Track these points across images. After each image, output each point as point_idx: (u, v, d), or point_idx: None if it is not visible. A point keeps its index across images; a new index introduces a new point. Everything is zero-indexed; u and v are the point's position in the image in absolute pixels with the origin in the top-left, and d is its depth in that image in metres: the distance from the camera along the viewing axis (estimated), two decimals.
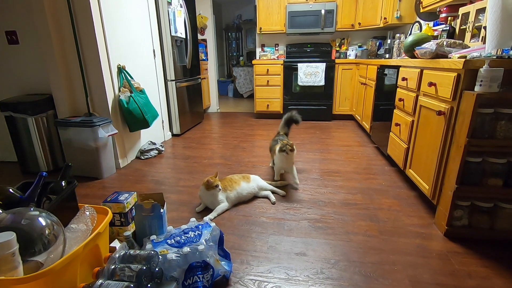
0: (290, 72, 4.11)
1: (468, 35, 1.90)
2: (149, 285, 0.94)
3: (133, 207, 1.40)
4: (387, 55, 3.53)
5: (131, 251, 1.02)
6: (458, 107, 1.39)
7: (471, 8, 1.85)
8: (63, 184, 1.09)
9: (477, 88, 1.29)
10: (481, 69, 1.25)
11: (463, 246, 1.41)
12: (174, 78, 3.32)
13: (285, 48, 4.69)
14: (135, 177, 2.32)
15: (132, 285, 0.87)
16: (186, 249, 1.10)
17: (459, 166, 1.36)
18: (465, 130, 1.32)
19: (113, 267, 0.94)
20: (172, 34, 3.19)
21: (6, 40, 2.34)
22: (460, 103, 1.36)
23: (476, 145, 1.33)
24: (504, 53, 1.41)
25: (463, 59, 1.32)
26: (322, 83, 4.01)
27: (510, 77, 1.28)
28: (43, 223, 0.91)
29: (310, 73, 4.00)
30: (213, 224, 1.27)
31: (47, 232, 0.90)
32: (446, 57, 1.59)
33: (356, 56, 4.17)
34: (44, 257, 0.91)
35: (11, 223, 0.89)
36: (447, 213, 1.45)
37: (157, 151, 2.83)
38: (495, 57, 1.29)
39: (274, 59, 4.39)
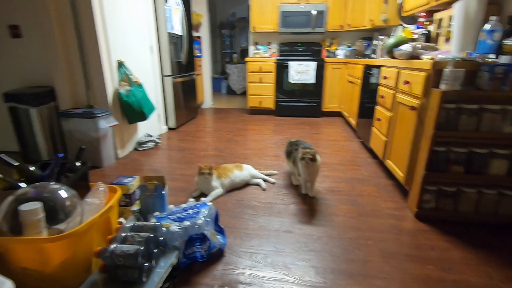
0: (282, 70, 4.27)
1: (442, 38, 2.09)
2: (155, 250, 1.09)
3: (137, 189, 1.55)
4: (373, 55, 3.73)
5: (139, 223, 1.17)
6: (427, 103, 1.57)
7: (445, 14, 2.04)
8: (78, 164, 1.23)
9: (442, 86, 1.47)
10: (445, 69, 1.44)
11: (430, 225, 1.60)
12: (170, 74, 3.44)
13: (277, 47, 4.85)
14: (134, 166, 2.45)
15: (141, 248, 1.02)
16: (187, 222, 1.25)
17: (427, 154, 1.55)
18: (432, 123, 1.51)
19: (124, 234, 1.09)
20: (168, 31, 3.31)
21: (10, 34, 2.43)
22: (429, 99, 1.55)
23: (442, 136, 1.52)
24: (469, 56, 1.60)
25: (432, 61, 1.50)
26: (313, 81, 4.19)
27: (471, 77, 1.47)
28: (64, 195, 1.05)
29: (301, 71, 4.17)
30: (209, 203, 1.43)
31: (67, 203, 1.04)
32: (419, 58, 1.78)
33: (345, 55, 4.36)
34: (64, 226, 1.05)
35: (36, 195, 1.03)
36: (417, 197, 1.64)
37: (154, 143, 2.96)
38: (459, 59, 1.48)
39: (267, 57, 4.55)
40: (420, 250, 1.39)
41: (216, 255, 1.35)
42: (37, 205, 0.97)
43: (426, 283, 1.19)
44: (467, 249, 1.40)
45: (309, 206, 1.80)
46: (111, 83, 2.49)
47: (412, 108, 1.68)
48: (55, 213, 1.02)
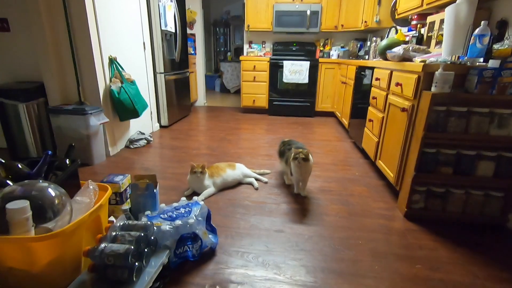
0: (276, 69, 4.28)
1: (433, 41, 2.12)
2: (146, 250, 1.08)
3: (128, 187, 1.53)
4: (366, 57, 3.76)
5: (130, 221, 1.16)
6: (418, 104, 1.60)
7: (436, 18, 2.07)
8: (67, 162, 1.21)
9: (433, 89, 1.50)
10: (436, 72, 1.46)
11: (419, 225, 1.63)
12: (163, 71, 3.41)
13: (271, 46, 4.85)
14: (125, 165, 2.42)
15: (132, 247, 1.01)
16: (178, 222, 1.25)
17: (417, 155, 1.58)
18: (422, 125, 1.53)
19: (114, 233, 1.08)
20: (162, 28, 3.28)
21: None
22: (420, 101, 1.57)
23: (431, 138, 1.54)
24: (460, 59, 1.63)
25: (423, 63, 1.53)
26: (306, 81, 4.20)
27: (460, 80, 1.50)
28: (53, 193, 1.03)
29: (295, 71, 4.18)
30: (201, 202, 1.42)
31: (56, 201, 1.03)
32: (411, 60, 1.80)
33: (338, 56, 4.39)
34: (52, 225, 1.04)
35: (23, 193, 1.00)
36: (407, 197, 1.67)
37: (145, 141, 2.93)
38: (449, 63, 1.50)
39: (261, 56, 4.54)
40: (409, 250, 1.41)
41: (207, 254, 1.35)
42: (24, 203, 0.95)
43: (414, 282, 1.21)
44: (454, 248, 1.43)
45: (300, 206, 1.81)
46: (102, 79, 2.45)
47: (403, 109, 1.70)
48: (43, 211, 1.00)
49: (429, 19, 2.19)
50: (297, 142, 2.05)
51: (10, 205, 0.92)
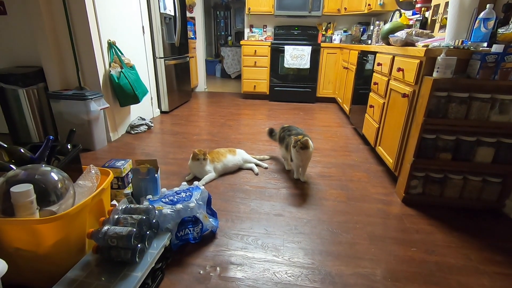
0: (277, 54, 4.21)
1: (437, 25, 2.08)
2: (148, 232, 1.11)
3: (129, 172, 1.55)
4: (369, 41, 3.70)
5: (132, 205, 1.18)
6: (419, 90, 1.58)
7: (441, 0, 2.02)
8: (69, 147, 1.22)
9: (434, 74, 1.48)
10: (438, 57, 1.44)
11: (416, 210, 1.65)
12: (162, 56, 3.37)
13: (273, 30, 4.76)
14: (126, 150, 2.44)
15: (134, 230, 1.04)
16: (179, 205, 1.27)
17: (417, 141, 1.58)
18: (423, 111, 1.52)
19: (117, 216, 1.11)
20: (161, 11, 3.21)
21: None
22: (421, 87, 1.56)
23: (431, 124, 1.54)
24: (464, 44, 1.60)
25: (425, 48, 1.50)
26: (308, 66, 4.15)
27: (463, 65, 1.48)
28: (56, 177, 1.05)
29: (296, 56, 4.12)
30: (202, 187, 1.44)
31: (59, 185, 1.04)
32: (413, 45, 1.78)
33: (341, 40, 4.31)
34: (56, 208, 1.06)
35: (27, 177, 1.02)
36: (405, 183, 1.69)
37: (146, 127, 2.94)
38: (452, 47, 1.48)
39: (262, 40, 4.47)
40: (406, 233, 1.44)
41: (208, 237, 1.38)
42: (28, 186, 0.96)
43: (409, 264, 1.25)
44: (450, 232, 1.46)
45: (300, 191, 1.84)
46: (102, 64, 2.43)
47: (404, 95, 1.69)
48: (46, 195, 1.02)
49: (434, 2, 2.14)
50: (296, 128, 2.06)
51: (14, 189, 0.94)
